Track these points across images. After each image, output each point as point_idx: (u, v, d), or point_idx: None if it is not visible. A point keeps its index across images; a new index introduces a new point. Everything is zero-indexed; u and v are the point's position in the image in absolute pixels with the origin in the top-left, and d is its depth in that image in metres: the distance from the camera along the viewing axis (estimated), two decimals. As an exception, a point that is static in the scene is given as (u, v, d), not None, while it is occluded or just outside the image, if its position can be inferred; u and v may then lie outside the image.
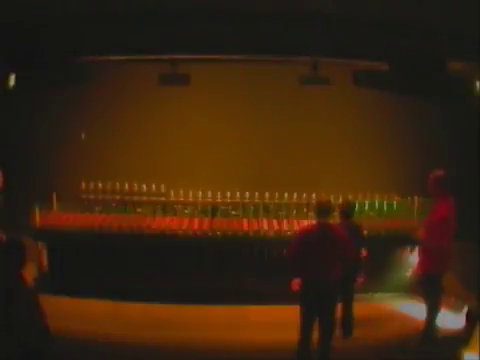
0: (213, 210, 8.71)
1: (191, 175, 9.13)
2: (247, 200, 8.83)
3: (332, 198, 7.85)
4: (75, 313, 7.53)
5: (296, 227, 8.37)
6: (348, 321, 6.99)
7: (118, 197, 8.87)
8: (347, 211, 7.00)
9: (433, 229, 6.52)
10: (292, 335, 6.17)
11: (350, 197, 8.65)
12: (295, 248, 5.99)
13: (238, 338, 7.02)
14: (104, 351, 6.58)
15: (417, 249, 8.07)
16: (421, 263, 6.84)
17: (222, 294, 7.87)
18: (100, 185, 8.83)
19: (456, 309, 7.47)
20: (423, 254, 6.86)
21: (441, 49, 7.46)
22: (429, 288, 6.67)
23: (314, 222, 6.14)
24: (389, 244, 8.41)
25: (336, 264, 5.98)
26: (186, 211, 8.87)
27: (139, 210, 8.86)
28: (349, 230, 6.54)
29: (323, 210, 6.03)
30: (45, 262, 8.38)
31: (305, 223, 8.35)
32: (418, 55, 7.57)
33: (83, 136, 9.16)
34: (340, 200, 8.41)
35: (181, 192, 8.89)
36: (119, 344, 6.79)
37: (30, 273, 8.30)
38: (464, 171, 8.06)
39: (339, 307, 6.56)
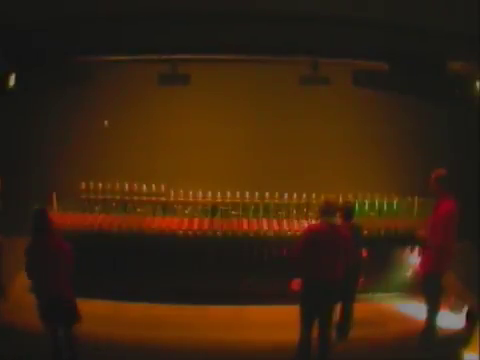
0: (213, 210, 8.70)
1: (191, 175, 9.12)
2: (247, 200, 8.83)
3: (334, 198, 7.86)
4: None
5: (296, 227, 8.38)
6: (346, 323, 6.98)
7: (118, 197, 8.86)
8: (347, 213, 6.99)
9: (436, 228, 6.54)
10: (292, 335, 6.18)
11: (350, 197, 8.67)
12: (301, 247, 5.99)
13: (238, 338, 7.03)
14: (104, 351, 6.59)
15: (417, 249, 8.09)
16: (423, 263, 6.84)
17: (222, 294, 7.87)
18: (100, 185, 8.82)
19: (456, 309, 7.47)
20: (425, 254, 6.86)
21: (441, 49, 7.46)
22: (430, 288, 6.68)
23: (319, 221, 6.14)
24: (389, 244, 8.40)
25: (340, 264, 5.99)
26: (186, 211, 8.86)
27: (139, 210, 8.85)
28: (349, 231, 6.54)
29: (330, 210, 6.04)
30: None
31: (305, 223, 8.37)
32: (418, 55, 7.57)
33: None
34: (340, 200, 8.42)
35: (181, 192, 8.89)
36: (119, 344, 6.79)
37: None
38: (464, 171, 8.06)
39: (338, 308, 6.57)
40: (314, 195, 8.75)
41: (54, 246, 5.88)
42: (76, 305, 5.95)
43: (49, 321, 5.94)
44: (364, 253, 7.38)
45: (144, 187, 8.87)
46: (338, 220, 6.87)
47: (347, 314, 6.99)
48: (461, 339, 6.41)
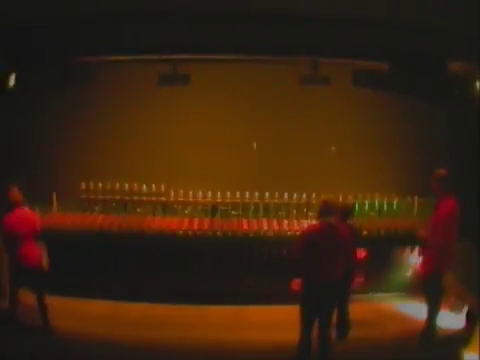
0: (213, 210, 8.71)
1: (191, 175, 9.12)
2: (247, 200, 8.83)
3: (332, 198, 7.87)
4: (75, 313, 7.53)
5: (296, 227, 8.38)
6: (343, 323, 6.98)
7: (118, 197, 8.87)
8: (344, 213, 6.97)
9: (436, 228, 6.53)
10: (292, 335, 6.18)
11: (350, 197, 8.67)
12: (301, 247, 5.99)
13: (238, 338, 7.02)
14: (104, 351, 6.59)
15: (417, 249, 8.09)
16: (424, 263, 6.83)
17: (222, 294, 7.87)
18: (100, 185, 8.83)
19: (456, 309, 7.47)
20: (426, 254, 6.86)
21: (441, 49, 7.46)
22: (431, 288, 6.67)
23: (318, 222, 6.14)
24: (389, 244, 8.40)
25: (339, 264, 5.99)
26: (186, 211, 8.87)
27: (139, 210, 8.86)
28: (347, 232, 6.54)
29: (328, 210, 6.04)
30: (45, 262, 8.37)
31: (305, 223, 8.37)
32: (418, 55, 7.57)
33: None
34: (340, 200, 8.43)
35: (181, 192, 8.89)
36: (119, 344, 6.79)
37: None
38: (464, 171, 8.06)
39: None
40: (314, 195, 8.75)
41: (23, 218, 6.79)
42: (43, 269, 6.86)
43: (18, 285, 6.82)
44: (362, 253, 7.37)
45: (144, 187, 8.87)
46: (335, 220, 6.88)
47: (342, 314, 6.98)
48: (461, 339, 6.40)
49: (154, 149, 9.53)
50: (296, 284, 6.05)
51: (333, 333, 6.57)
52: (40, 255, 6.89)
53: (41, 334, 6.79)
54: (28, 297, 6.97)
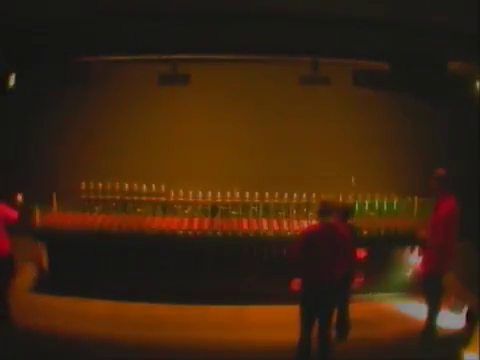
0: (213, 210, 8.70)
1: (191, 175, 9.12)
2: (247, 200, 8.83)
3: (332, 198, 7.89)
4: (75, 313, 7.54)
5: (296, 227, 8.38)
6: (343, 323, 6.99)
7: (118, 197, 8.86)
8: (344, 213, 6.97)
9: (436, 228, 6.54)
10: (292, 335, 6.18)
11: (350, 197, 8.67)
12: (300, 248, 6.00)
13: (238, 338, 7.03)
14: (104, 351, 6.59)
15: (418, 249, 8.09)
16: (424, 263, 6.84)
17: (222, 294, 7.87)
18: (100, 185, 8.82)
19: (456, 309, 7.47)
20: (426, 254, 6.86)
21: (441, 49, 7.46)
22: (431, 288, 6.68)
23: (317, 222, 6.15)
24: (389, 244, 8.40)
25: (338, 264, 6.00)
26: (186, 211, 8.86)
27: (139, 210, 8.85)
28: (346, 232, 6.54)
29: (326, 210, 6.05)
30: (45, 262, 8.38)
31: (305, 223, 8.37)
32: (418, 55, 7.57)
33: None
34: (340, 200, 8.43)
35: (181, 192, 8.89)
36: (119, 344, 6.79)
37: (30, 273, 8.35)
38: (464, 171, 8.06)
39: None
40: (314, 195, 8.74)
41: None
42: (14, 260, 6.91)
43: None
44: (362, 253, 7.38)
45: (144, 187, 8.87)
46: (334, 220, 6.88)
47: (342, 314, 6.98)
48: (461, 339, 6.41)
49: (154, 149, 9.53)
50: (296, 284, 6.06)
51: (333, 333, 6.58)
52: (10, 245, 6.89)
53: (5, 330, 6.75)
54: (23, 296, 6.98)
